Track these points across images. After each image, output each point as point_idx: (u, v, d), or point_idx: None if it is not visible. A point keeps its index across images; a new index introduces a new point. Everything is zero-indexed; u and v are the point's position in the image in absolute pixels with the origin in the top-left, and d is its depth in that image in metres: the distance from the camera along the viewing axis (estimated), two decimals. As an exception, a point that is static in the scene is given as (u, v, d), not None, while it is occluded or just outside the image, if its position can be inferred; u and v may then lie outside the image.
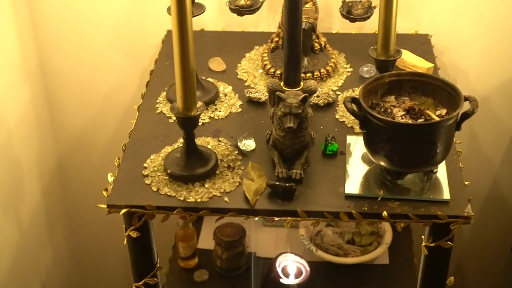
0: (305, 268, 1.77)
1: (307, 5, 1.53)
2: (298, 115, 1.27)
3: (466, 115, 1.25)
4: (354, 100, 1.27)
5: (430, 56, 1.66)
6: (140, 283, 1.37)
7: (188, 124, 1.27)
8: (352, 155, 1.37)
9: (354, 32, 1.76)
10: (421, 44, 1.72)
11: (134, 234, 1.29)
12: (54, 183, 2.03)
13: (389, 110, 1.30)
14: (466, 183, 1.30)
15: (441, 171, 1.32)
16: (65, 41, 1.85)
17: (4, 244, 1.76)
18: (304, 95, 1.27)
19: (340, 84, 1.57)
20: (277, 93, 1.29)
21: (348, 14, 1.53)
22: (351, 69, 1.62)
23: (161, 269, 1.38)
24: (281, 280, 1.75)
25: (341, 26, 1.77)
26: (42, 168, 1.95)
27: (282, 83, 1.35)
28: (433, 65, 1.59)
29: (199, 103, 1.27)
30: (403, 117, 1.27)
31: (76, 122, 1.99)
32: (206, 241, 1.92)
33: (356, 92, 1.52)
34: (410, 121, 1.26)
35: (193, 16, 1.41)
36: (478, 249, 2.15)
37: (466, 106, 1.24)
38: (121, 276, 2.14)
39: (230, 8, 1.56)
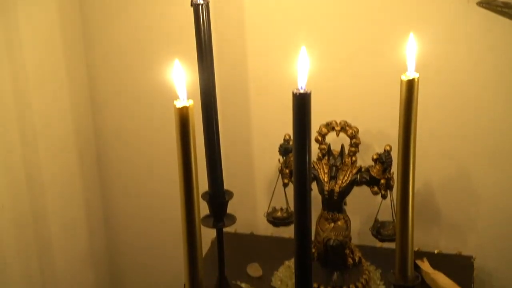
0: None
1: (339, 223, 1.60)
2: (302, 333, 1.30)
3: None
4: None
5: (467, 281, 1.65)
6: None
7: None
8: None
9: (397, 247, 1.79)
10: (462, 266, 1.72)
11: None
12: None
13: (396, 337, 1.30)
14: None
15: None
16: (133, 232, 2.01)
17: None
18: (308, 314, 1.31)
19: (368, 301, 1.59)
20: (283, 309, 1.33)
21: (378, 234, 1.59)
22: (383, 286, 1.64)
23: None
24: None
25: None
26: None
27: (294, 299, 1.39)
28: (463, 291, 1.58)
29: (209, 313, 1.34)
30: None
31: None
32: None
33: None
34: None
35: (223, 227, 1.53)
36: None
37: None
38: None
39: (267, 219, 1.66)
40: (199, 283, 1.31)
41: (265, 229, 1.90)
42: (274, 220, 1.64)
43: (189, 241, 1.29)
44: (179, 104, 1.20)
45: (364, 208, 1.73)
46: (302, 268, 1.37)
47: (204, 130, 1.47)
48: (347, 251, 1.63)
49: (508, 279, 1.80)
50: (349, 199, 1.63)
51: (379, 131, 1.75)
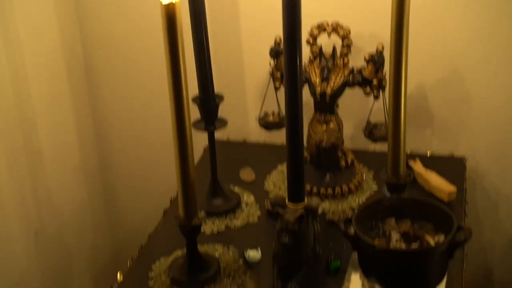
0: None
1: (330, 125, 1.59)
2: (294, 232, 1.30)
3: (457, 244, 1.25)
4: (350, 220, 1.30)
5: (459, 180, 1.66)
6: None
7: (189, 232, 1.34)
8: (355, 273, 1.38)
9: (390, 150, 1.79)
10: (454, 166, 1.72)
11: (133, 334, 1.36)
12: (107, 276, 2.13)
13: (387, 233, 1.32)
14: (462, 314, 1.28)
15: (441, 299, 1.31)
16: (125, 141, 2.00)
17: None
18: (300, 213, 1.31)
19: (361, 202, 1.60)
20: (276, 208, 1.34)
21: (370, 134, 1.58)
22: (376, 188, 1.65)
23: None
24: None
25: (379, 144, 1.81)
26: (95, 260, 2.07)
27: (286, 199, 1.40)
28: (455, 189, 1.58)
29: (201, 213, 1.34)
30: (398, 241, 1.28)
31: (132, 219, 2.11)
32: None
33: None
34: (403, 246, 1.27)
35: (215, 130, 1.52)
36: None
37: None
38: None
39: (260, 124, 1.65)
40: (191, 188, 1.31)
41: (257, 136, 1.89)
42: (266, 124, 1.63)
43: (180, 146, 1.29)
44: (165, 0, 1.17)
45: (356, 112, 1.72)
46: (294, 169, 1.37)
47: (192, 31, 1.44)
48: (340, 154, 1.63)
49: (499, 180, 1.82)
50: (341, 104, 1.62)
51: (371, 34, 1.72)
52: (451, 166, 1.72)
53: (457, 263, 1.38)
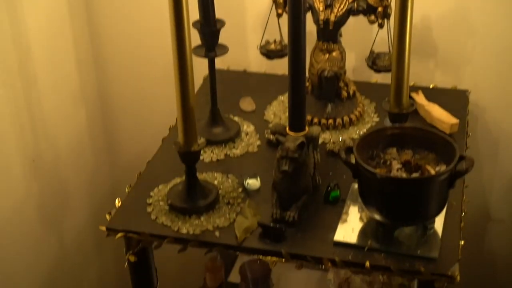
0: (323, 313, 1.77)
1: (333, 54, 1.56)
2: (294, 160, 1.29)
3: (460, 173, 1.23)
4: (351, 149, 1.28)
5: (462, 113, 1.64)
6: (140, 306, 1.43)
7: (188, 158, 1.33)
8: (354, 204, 1.38)
9: (393, 83, 1.76)
10: (457, 99, 1.70)
11: (132, 258, 1.36)
12: (106, 204, 2.14)
13: (388, 162, 1.30)
14: (461, 242, 1.28)
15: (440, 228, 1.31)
16: (124, 68, 1.97)
17: (48, 259, 1.88)
18: (301, 140, 1.30)
19: (362, 133, 1.58)
20: (276, 135, 1.32)
21: (373, 64, 1.56)
22: (377, 119, 1.63)
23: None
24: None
25: (381, 76, 1.78)
26: (93, 188, 2.07)
27: (287, 127, 1.38)
28: (457, 121, 1.57)
29: (201, 139, 1.33)
30: (399, 170, 1.27)
31: (131, 147, 2.10)
32: (237, 275, 1.96)
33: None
34: (404, 175, 1.26)
35: (215, 57, 1.49)
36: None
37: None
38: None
39: (261, 52, 1.62)
40: (191, 113, 1.29)
41: (258, 66, 1.86)
42: (268, 52, 1.60)
43: (180, 69, 1.26)
44: None
45: (359, 43, 1.69)
46: (296, 98, 1.35)
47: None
48: (342, 84, 1.61)
49: (501, 113, 1.80)
50: (344, 34, 1.59)
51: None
52: (454, 99, 1.69)
53: (458, 195, 1.38)
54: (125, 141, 2.12)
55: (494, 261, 2.02)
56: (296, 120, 1.36)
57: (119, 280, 2.25)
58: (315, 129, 1.37)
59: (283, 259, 1.27)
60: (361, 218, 1.34)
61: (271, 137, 1.55)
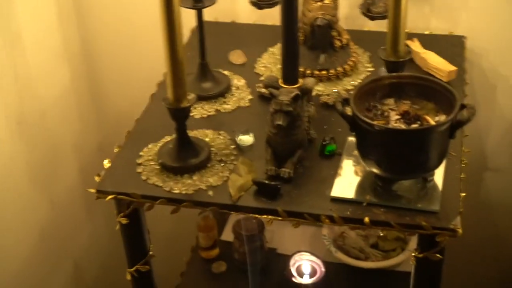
0: (320, 268, 1.74)
1: (326, 1, 1.50)
2: (289, 113, 1.24)
3: (460, 123, 1.19)
4: (347, 101, 1.23)
5: (459, 59, 1.59)
6: (132, 269, 1.39)
7: (178, 115, 1.28)
8: (350, 158, 1.33)
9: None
10: (453, 46, 1.65)
11: (124, 221, 1.32)
12: (94, 164, 2.09)
13: (386, 113, 1.26)
14: (462, 194, 1.24)
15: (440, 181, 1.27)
16: (109, 22, 1.90)
17: (37, 222, 1.83)
18: (295, 93, 1.25)
19: (356, 84, 1.53)
20: (269, 89, 1.27)
21: (368, 11, 1.50)
22: (372, 69, 1.58)
23: (153, 256, 1.40)
24: (293, 279, 1.73)
25: (375, 24, 1.72)
26: (81, 148, 2.01)
27: (280, 80, 1.33)
28: (455, 68, 1.52)
29: (191, 95, 1.27)
30: (397, 121, 1.23)
31: (118, 104, 2.04)
32: (230, 233, 1.93)
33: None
34: (402, 126, 1.21)
35: (203, 8, 1.43)
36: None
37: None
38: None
39: (250, 1, 1.55)
40: (180, 67, 1.23)
41: (247, 16, 1.80)
42: (258, 1, 1.54)
43: (168, 22, 1.20)
44: None
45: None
46: (288, 49, 1.30)
47: None
48: (335, 33, 1.55)
49: (498, 59, 1.74)
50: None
51: None
52: (450, 46, 1.64)
53: (457, 145, 1.34)
54: (112, 98, 2.05)
55: (492, 211, 1.99)
56: (290, 72, 1.31)
57: (111, 242, 2.22)
58: (310, 81, 1.32)
59: (280, 217, 1.23)
60: (356, 172, 1.30)
61: (264, 90, 1.49)
